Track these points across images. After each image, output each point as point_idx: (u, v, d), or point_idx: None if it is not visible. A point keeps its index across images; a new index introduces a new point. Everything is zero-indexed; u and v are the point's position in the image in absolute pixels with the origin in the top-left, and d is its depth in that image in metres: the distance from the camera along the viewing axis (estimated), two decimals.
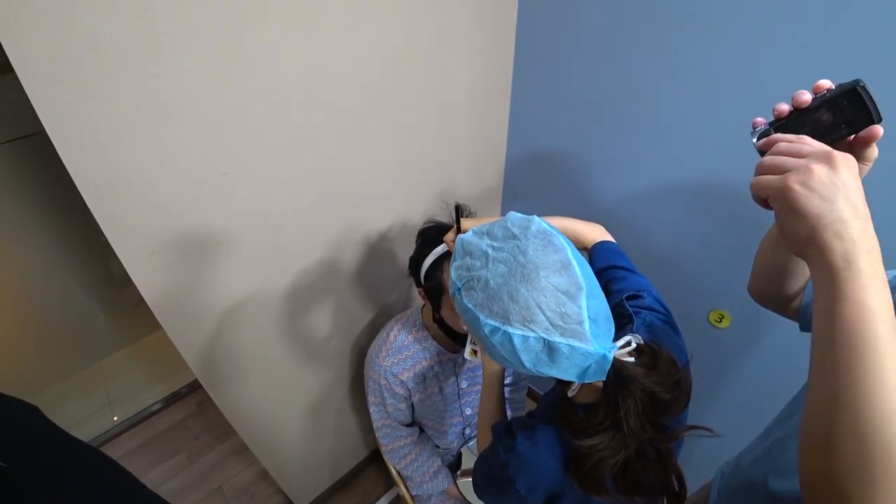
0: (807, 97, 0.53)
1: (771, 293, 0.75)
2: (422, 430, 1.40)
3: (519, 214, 0.65)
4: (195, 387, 2.34)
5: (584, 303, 0.55)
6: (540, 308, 0.55)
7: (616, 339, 0.63)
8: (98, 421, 2.19)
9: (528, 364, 0.58)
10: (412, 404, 1.28)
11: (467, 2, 1.20)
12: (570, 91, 1.34)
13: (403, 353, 1.20)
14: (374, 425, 1.33)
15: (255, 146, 0.96)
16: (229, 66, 0.86)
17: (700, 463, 1.10)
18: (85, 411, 2.23)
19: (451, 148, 1.42)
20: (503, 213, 1.74)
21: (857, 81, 0.50)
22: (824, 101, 0.53)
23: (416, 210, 1.43)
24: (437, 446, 1.42)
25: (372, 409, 1.30)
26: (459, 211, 0.90)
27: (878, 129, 0.50)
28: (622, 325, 0.74)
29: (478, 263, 0.62)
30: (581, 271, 0.57)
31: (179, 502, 1.91)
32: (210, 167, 0.91)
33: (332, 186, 1.15)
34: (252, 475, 1.99)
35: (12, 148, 1.83)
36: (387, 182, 1.29)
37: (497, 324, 0.58)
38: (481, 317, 0.59)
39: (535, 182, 1.61)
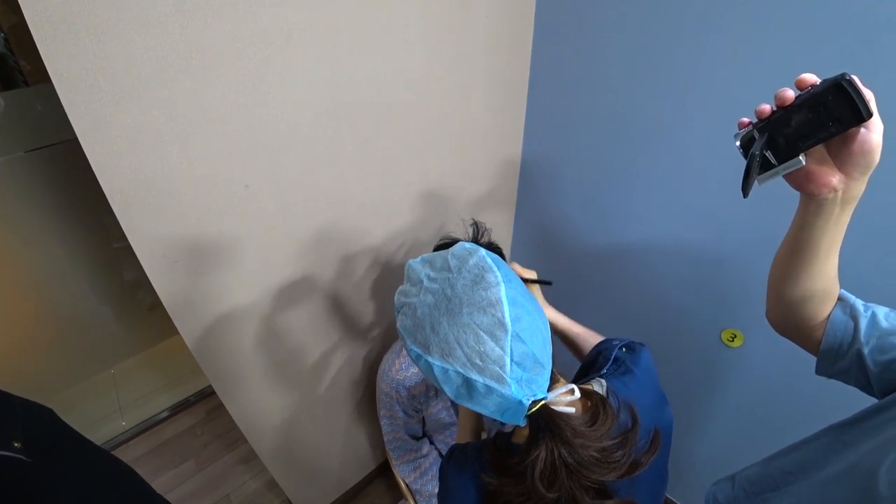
0: (790, 94, 0.50)
1: (792, 323, 0.68)
2: (432, 444, 1.40)
3: (468, 245, 0.65)
4: (204, 395, 2.36)
5: (507, 344, 0.54)
6: (458, 344, 0.55)
7: (586, 384, 0.64)
8: (108, 426, 2.20)
9: (450, 394, 0.58)
10: (423, 418, 1.29)
11: (486, 25, 1.23)
12: (583, 109, 1.36)
13: (416, 366, 1.20)
14: (385, 438, 1.33)
15: (276, 161, 0.98)
16: (258, 82, 0.88)
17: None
18: (95, 416, 2.24)
19: (467, 163, 1.44)
20: (516, 229, 1.77)
21: (842, 75, 0.46)
22: (808, 98, 0.49)
23: (432, 225, 1.44)
24: None
25: (383, 421, 1.30)
26: (478, 230, 0.92)
27: (871, 138, 0.48)
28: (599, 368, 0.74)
29: (413, 290, 0.63)
30: (511, 312, 0.55)
31: None
32: (233, 179, 0.94)
33: (349, 201, 1.17)
34: (259, 484, 1.99)
35: (35, 157, 1.87)
36: (403, 197, 1.31)
37: (420, 351, 0.59)
38: (407, 342, 0.61)
39: (548, 197, 1.62)
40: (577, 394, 0.57)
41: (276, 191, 1.01)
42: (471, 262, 0.61)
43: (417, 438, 1.34)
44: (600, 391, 0.65)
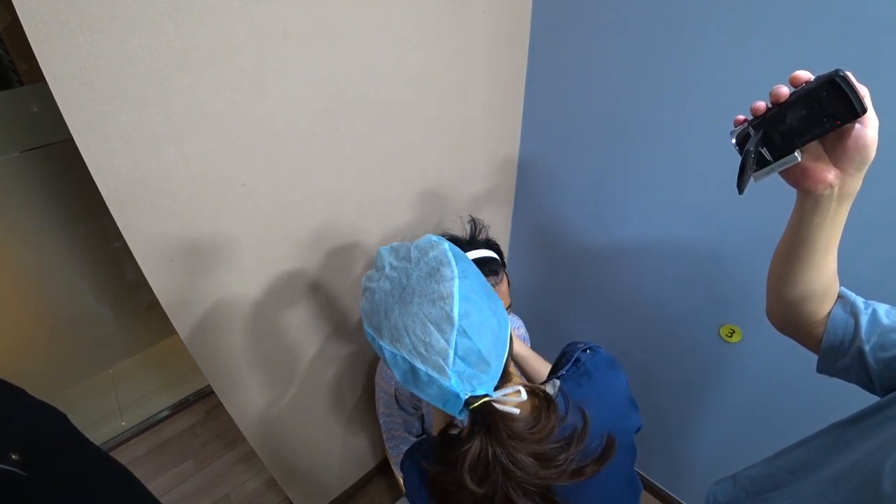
0: (784, 91, 0.51)
1: (792, 322, 0.68)
2: None
3: (434, 238, 0.65)
4: (204, 394, 2.36)
5: (452, 338, 0.55)
6: (407, 332, 0.57)
7: (543, 385, 0.65)
8: (107, 426, 2.20)
9: (399, 379, 0.60)
10: (422, 415, 1.28)
11: (484, 23, 1.23)
12: (581, 108, 1.36)
13: None
14: (384, 436, 1.33)
15: (273, 159, 0.98)
16: (254, 80, 0.88)
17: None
18: (95, 416, 2.24)
19: (465, 162, 1.43)
20: (514, 227, 1.77)
21: (836, 71, 0.46)
22: (803, 94, 0.49)
23: (430, 223, 1.44)
24: None
25: (382, 419, 1.30)
26: (475, 227, 0.92)
27: (866, 133, 0.48)
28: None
29: (376, 276, 0.65)
30: (460, 308, 0.56)
31: None
32: (230, 178, 0.93)
33: (347, 199, 1.17)
34: (259, 483, 1.99)
35: (32, 157, 1.87)
36: (401, 196, 1.31)
37: (374, 334, 0.61)
38: (364, 324, 0.63)
39: (546, 196, 1.62)
40: (524, 395, 0.58)
41: (274, 189, 1.01)
42: (431, 254, 0.62)
43: (417, 436, 1.34)
44: (552, 392, 0.66)
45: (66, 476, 0.78)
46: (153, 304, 0.93)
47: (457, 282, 0.58)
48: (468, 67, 1.26)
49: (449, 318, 0.55)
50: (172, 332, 1.00)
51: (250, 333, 1.14)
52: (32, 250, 2.04)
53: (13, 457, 0.68)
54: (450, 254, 0.61)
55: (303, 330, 1.27)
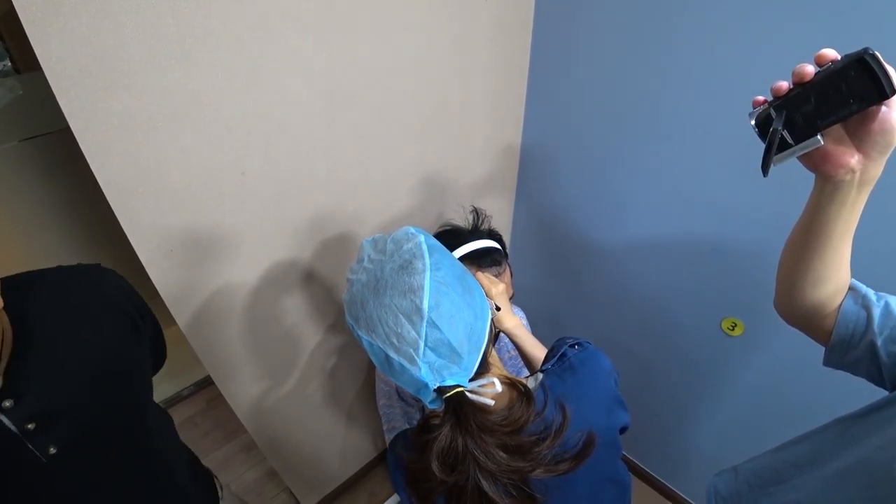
0: (809, 69, 0.49)
1: (801, 313, 0.65)
2: None
3: (411, 230, 0.66)
4: (204, 384, 2.36)
5: (422, 330, 0.56)
6: (380, 322, 0.58)
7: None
8: None
9: (378, 367, 0.62)
10: (422, 407, 1.28)
11: (487, 11, 1.21)
12: (584, 95, 1.34)
13: None
14: (384, 427, 1.32)
15: (273, 148, 0.97)
16: (253, 66, 0.87)
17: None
18: None
19: (466, 150, 1.42)
20: (516, 216, 1.75)
21: (865, 50, 0.44)
22: (829, 74, 0.47)
23: (431, 212, 1.43)
24: None
25: (382, 411, 1.30)
26: (478, 216, 0.91)
27: (892, 116, 0.46)
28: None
29: (357, 268, 0.66)
30: (430, 300, 0.56)
31: None
32: (229, 166, 0.92)
33: (348, 188, 1.16)
34: (259, 474, 2.00)
35: (31, 146, 1.86)
36: (401, 184, 1.30)
37: (353, 324, 0.63)
38: (346, 314, 0.65)
39: (548, 183, 1.60)
40: (499, 387, 0.59)
41: (273, 178, 1.00)
42: (405, 247, 0.62)
43: None
44: (533, 386, 0.66)
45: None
46: (154, 294, 0.93)
47: (428, 274, 0.58)
48: (470, 54, 1.25)
49: (419, 309, 0.56)
50: (173, 321, 1.00)
51: (250, 324, 1.13)
52: (31, 240, 2.03)
53: (52, 451, 0.61)
54: (424, 246, 0.62)
55: (302, 321, 1.26)
